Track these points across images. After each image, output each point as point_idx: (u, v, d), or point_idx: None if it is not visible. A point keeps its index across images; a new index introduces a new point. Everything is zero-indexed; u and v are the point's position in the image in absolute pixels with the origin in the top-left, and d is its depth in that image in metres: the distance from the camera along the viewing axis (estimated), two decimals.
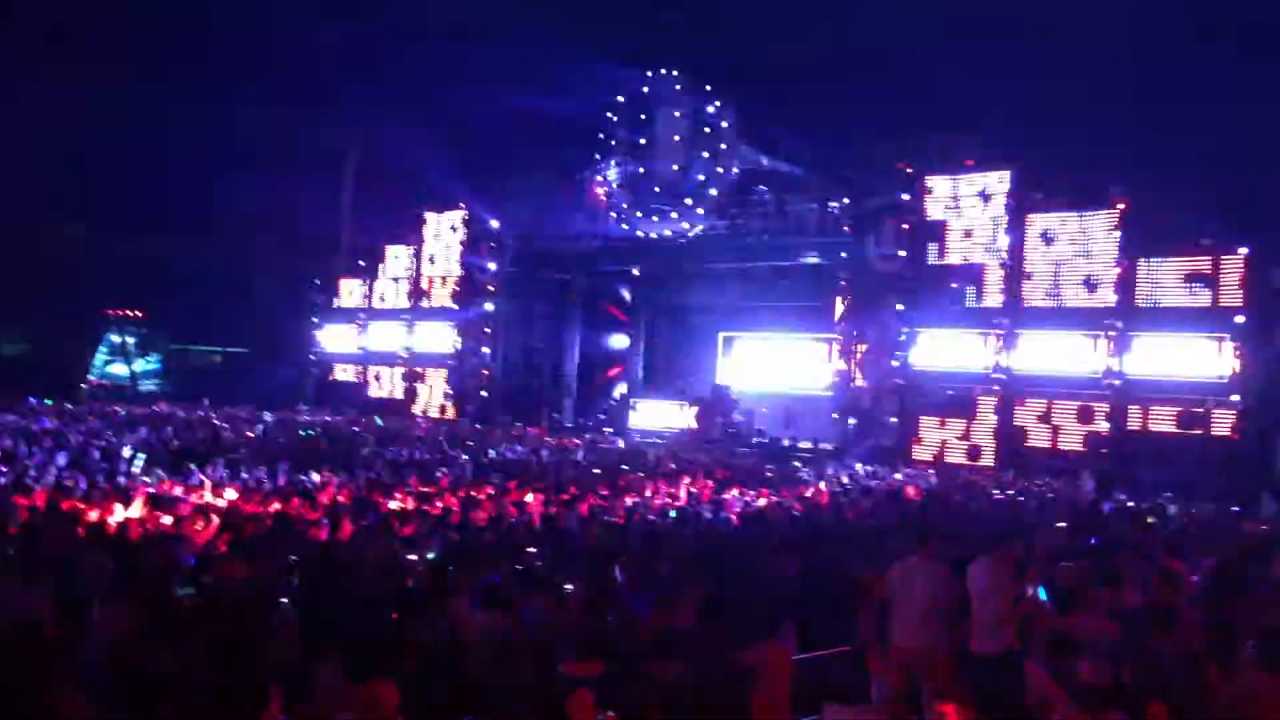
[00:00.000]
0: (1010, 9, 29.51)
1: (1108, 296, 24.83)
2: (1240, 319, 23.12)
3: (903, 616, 8.20)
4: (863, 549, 12.16)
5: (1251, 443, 22.82)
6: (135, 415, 27.81)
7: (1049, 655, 7.51)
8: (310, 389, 41.57)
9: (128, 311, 44.42)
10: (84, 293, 41.41)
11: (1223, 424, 23.22)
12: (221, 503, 12.89)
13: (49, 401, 29.59)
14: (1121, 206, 24.84)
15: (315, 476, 16.16)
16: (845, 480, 21.24)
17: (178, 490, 13.65)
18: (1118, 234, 24.76)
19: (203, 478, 14.88)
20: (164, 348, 45.92)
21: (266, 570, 9.22)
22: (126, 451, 17.92)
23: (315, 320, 42.78)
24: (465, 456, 21.49)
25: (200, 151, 41.48)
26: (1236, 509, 18.81)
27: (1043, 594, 9.34)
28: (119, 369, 44.62)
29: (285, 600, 8.32)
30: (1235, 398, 23.10)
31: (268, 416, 29.70)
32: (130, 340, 44.89)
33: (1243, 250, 23.35)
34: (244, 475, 15.93)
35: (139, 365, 44.89)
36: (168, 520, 11.19)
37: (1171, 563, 10.38)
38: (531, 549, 10.89)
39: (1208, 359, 23.50)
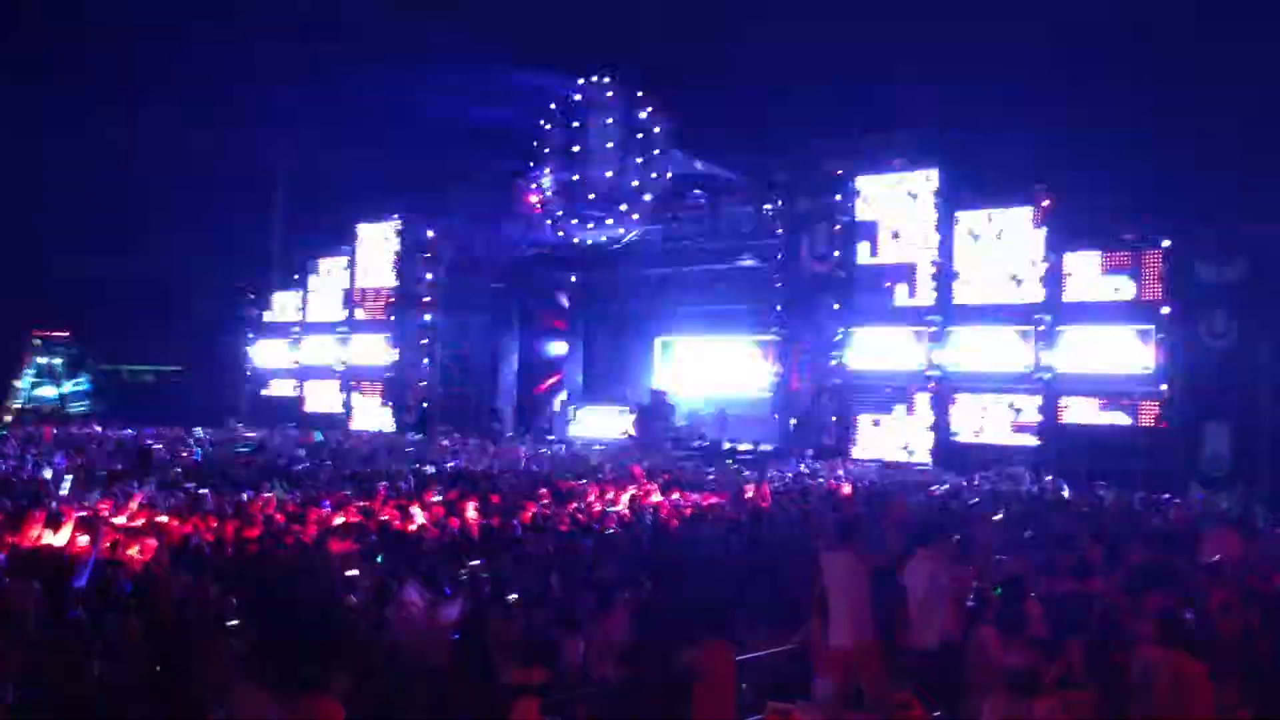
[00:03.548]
0: (933, 9, 30.03)
1: (1035, 292, 25.28)
2: (1165, 310, 23.65)
3: (837, 614, 8.27)
4: (802, 548, 12.26)
5: (1179, 432, 23.34)
6: (64, 437, 27.27)
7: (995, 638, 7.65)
8: (244, 405, 40.98)
9: (54, 332, 43.55)
10: (9, 314, 40.53)
11: (1148, 414, 23.78)
12: (157, 523, 12.68)
13: None
14: (1046, 203, 25.31)
15: (251, 493, 15.96)
16: (786, 480, 21.43)
17: (109, 513, 13.40)
18: (1043, 230, 25.24)
19: (136, 499, 14.60)
20: (93, 368, 45.06)
21: (204, 590, 9.10)
22: (50, 474, 17.54)
23: (249, 335, 42.19)
24: (405, 468, 21.31)
25: (126, 167, 40.83)
26: (1167, 497, 19.26)
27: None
28: (47, 391, 43.72)
29: (234, 621, 8.23)
30: (1163, 388, 23.62)
31: (201, 434, 29.27)
32: (58, 361, 44.00)
33: (1165, 243, 23.90)
34: (178, 495, 15.68)
35: (68, 386, 44.01)
36: (86, 542, 10.98)
37: (1096, 551, 10.61)
38: (474, 560, 10.84)
39: (1134, 351, 24.03)
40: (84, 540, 10.97)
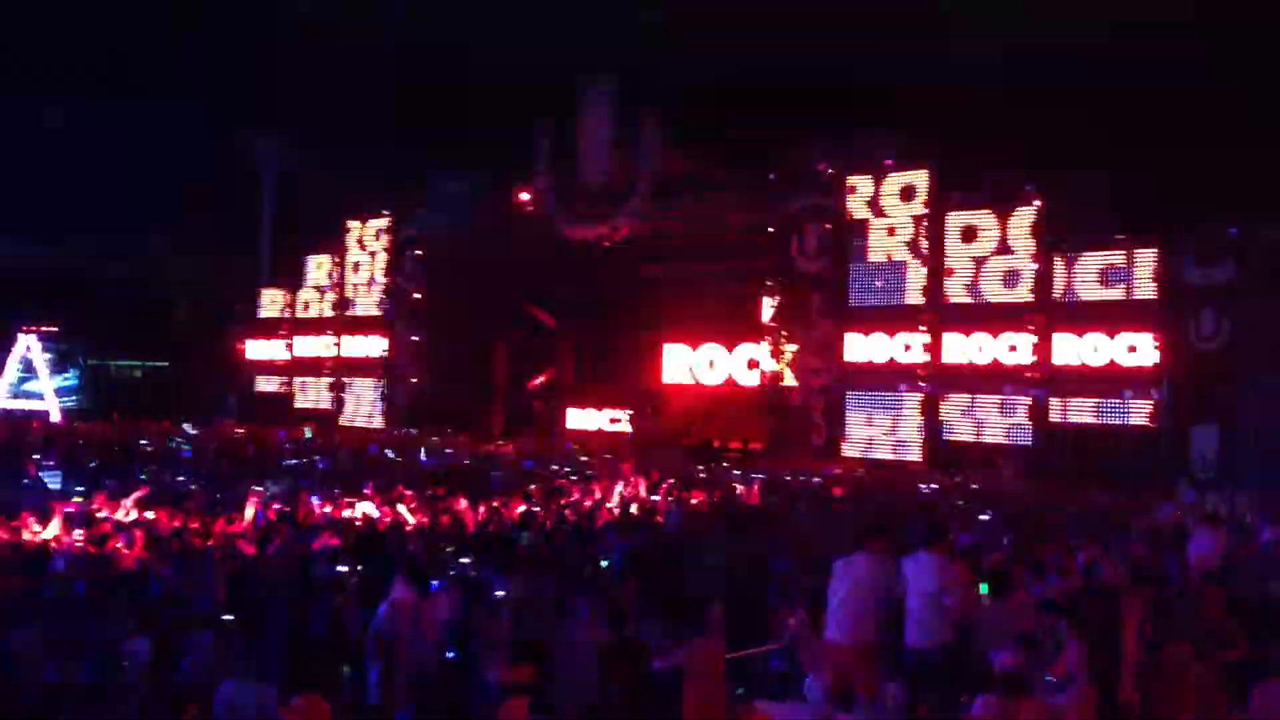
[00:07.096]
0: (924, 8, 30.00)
1: (1027, 292, 25.33)
2: (1154, 312, 23.71)
3: (844, 612, 8.26)
4: (790, 546, 12.29)
5: (1168, 433, 23.42)
6: (51, 432, 27.18)
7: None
8: (233, 401, 40.84)
9: (42, 327, 43.36)
10: None
11: (1138, 415, 23.85)
12: (146, 518, 12.62)
13: None
14: (1038, 203, 25.37)
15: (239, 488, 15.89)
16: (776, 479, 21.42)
17: (100, 508, 13.33)
18: (1035, 230, 25.29)
19: (123, 494, 14.52)
20: (81, 363, 44.86)
21: (193, 585, 9.08)
22: (43, 472, 17.49)
23: (237, 332, 42.05)
24: (394, 464, 21.29)
25: (114, 161, 40.64)
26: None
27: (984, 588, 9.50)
28: (35, 386, 43.52)
29: (227, 616, 8.20)
30: (1151, 389, 23.68)
31: (189, 430, 29.18)
32: (46, 356, 43.80)
33: (1155, 245, 23.96)
34: (165, 490, 15.63)
35: (55, 382, 43.80)
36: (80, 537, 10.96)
37: (1087, 550, 10.62)
38: (464, 558, 10.82)
39: (1123, 352, 24.08)
40: (79, 534, 10.96)
